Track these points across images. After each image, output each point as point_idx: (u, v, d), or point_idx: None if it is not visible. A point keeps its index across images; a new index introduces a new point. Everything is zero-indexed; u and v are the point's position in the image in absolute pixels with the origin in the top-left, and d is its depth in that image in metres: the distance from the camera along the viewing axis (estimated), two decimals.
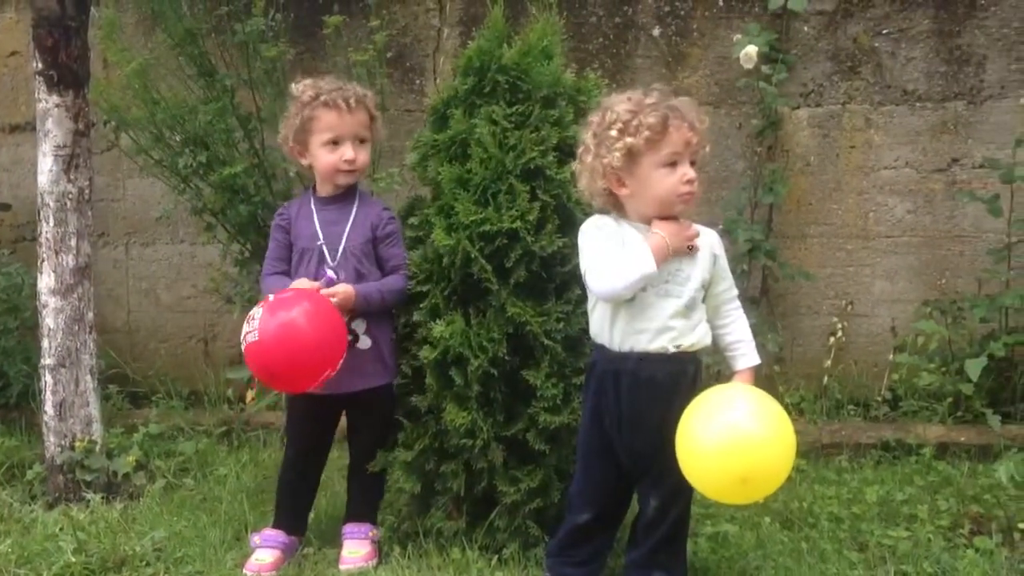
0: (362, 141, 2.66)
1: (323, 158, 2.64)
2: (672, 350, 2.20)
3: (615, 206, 2.28)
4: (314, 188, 2.74)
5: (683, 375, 2.23)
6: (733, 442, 2.02)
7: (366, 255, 2.65)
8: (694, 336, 2.23)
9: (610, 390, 2.25)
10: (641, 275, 2.14)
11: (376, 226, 2.67)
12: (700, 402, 2.11)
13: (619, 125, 2.18)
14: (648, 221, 2.23)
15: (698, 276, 2.23)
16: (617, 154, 2.18)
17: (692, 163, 2.20)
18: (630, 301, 2.20)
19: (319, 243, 2.64)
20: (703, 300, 2.27)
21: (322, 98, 2.63)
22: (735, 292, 2.32)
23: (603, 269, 2.18)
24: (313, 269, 2.63)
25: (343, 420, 2.79)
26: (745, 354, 2.31)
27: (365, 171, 2.72)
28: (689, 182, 2.18)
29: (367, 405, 2.67)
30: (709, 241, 2.28)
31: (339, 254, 2.63)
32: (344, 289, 2.54)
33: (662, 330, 2.20)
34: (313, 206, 2.69)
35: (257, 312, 2.44)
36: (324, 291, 2.53)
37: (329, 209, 2.68)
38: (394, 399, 2.67)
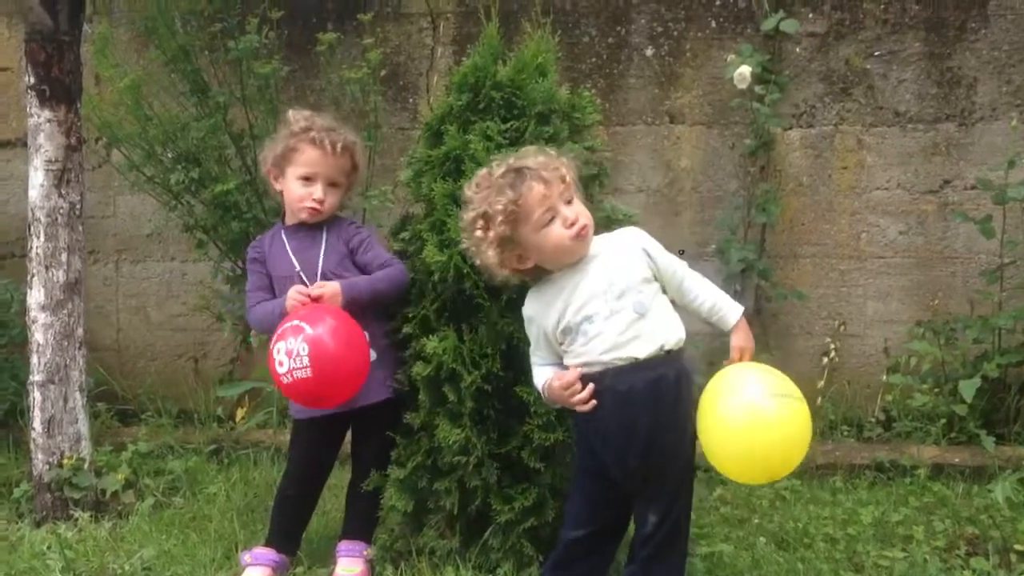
0: (335, 185, 2.68)
1: (294, 190, 2.65)
2: (642, 357, 2.18)
3: (535, 274, 2.28)
4: (283, 219, 2.76)
5: (663, 380, 2.19)
6: (757, 420, 2.11)
7: (346, 270, 2.66)
8: (660, 336, 2.20)
9: (597, 411, 2.21)
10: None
11: (347, 241, 2.69)
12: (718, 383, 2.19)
13: (480, 223, 2.21)
14: (567, 265, 2.24)
15: (635, 279, 2.22)
16: (492, 251, 2.21)
17: (568, 203, 2.21)
18: (585, 334, 2.20)
19: (296, 271, 2.64)
20: (663, 292, 2.27)
21: (311, 134, 2.65)
22: (685, 266, 2.31)
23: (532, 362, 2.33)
24: None
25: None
26: (728, 310, 2.31)
27: (329, 214, 2.70)
28: (573, 224, 2.19)
29: (374, 419, 2.64)
30: (625, 242, 2.28)
31: (318, 277, 2.62)
32: (331, 288, 2.54)
33: (623, 344, 2.18)
34: (284, 236, 2.70)
35: (299, 347, 2.39)
36: (312, 291, 2.53)
37: (299, 237, 2.69)
38: (399, 412, 2.63)
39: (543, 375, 2.30)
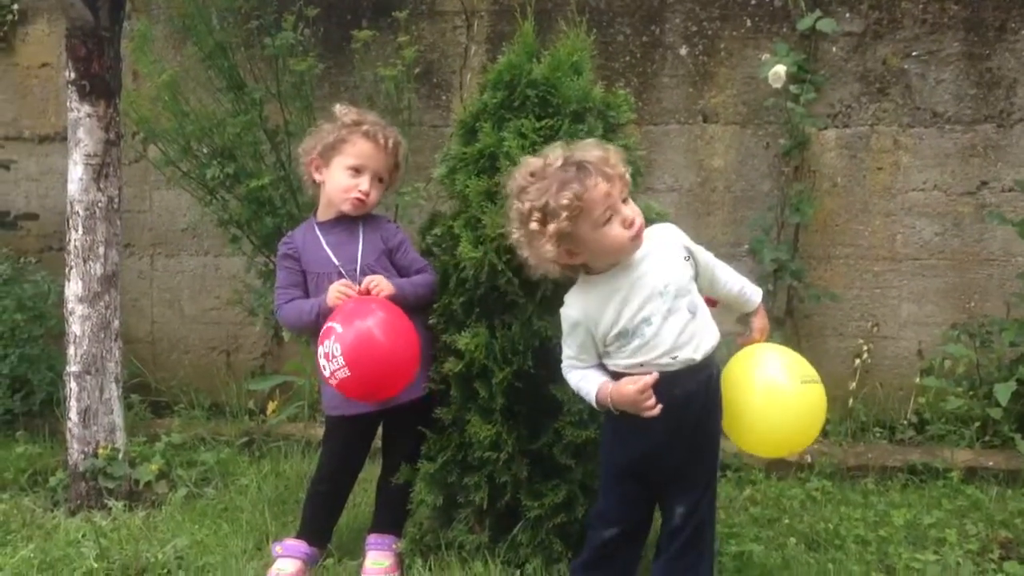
0: (380, 181, 2.68)
1: (340, 180, 2.65)
2: (699, 358, 2.17)
3: (575, 270, 2.22)
4: (315, 215, 2.75)
5: (711, 380, 2.22)
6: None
7: (384, 268, 2.66)
8: (710, 336, 2.21)
9: (636, 414, 2.16)
10: (586, 396, 2.25)
11: (386, 239, 2.69)
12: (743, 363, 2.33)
13: (537, 215, 2.11)
14: (615, 264, 2.17)
15: (685, 279, 2.20)
16: (549, 245, 2.12)
17: (625, 201, 2.14)
18: (642, 337, 2.15)
19: (336, 266, 2.63)
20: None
21: (364, 127, 2.66)
22: (712, 255, 2.34)
23: (565, 365, 2.28)
24: None
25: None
26: (752, 292, 2.41)
27: (371, 209, 2.71)
28: (631, 224, 2.12)
29: (407, 417, 2.64)
30: (668, 239, 2.24)
31: (357, 272, 2.62)
32: (382, 280, 2.55)
33: (682, 345, 2.16)
34: (318, 232, 2.69)
35: (334, 348, 2.40)
36: (367, 283, 2.53)
37: (335, 232, 2.68)
38: (431, 410, 2.62)
39: (593, 379, 2.22)
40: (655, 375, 2.12)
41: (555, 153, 2.16)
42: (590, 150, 2.16)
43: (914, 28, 3.92)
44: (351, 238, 2.67)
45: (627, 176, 2.17)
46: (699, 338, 2.18)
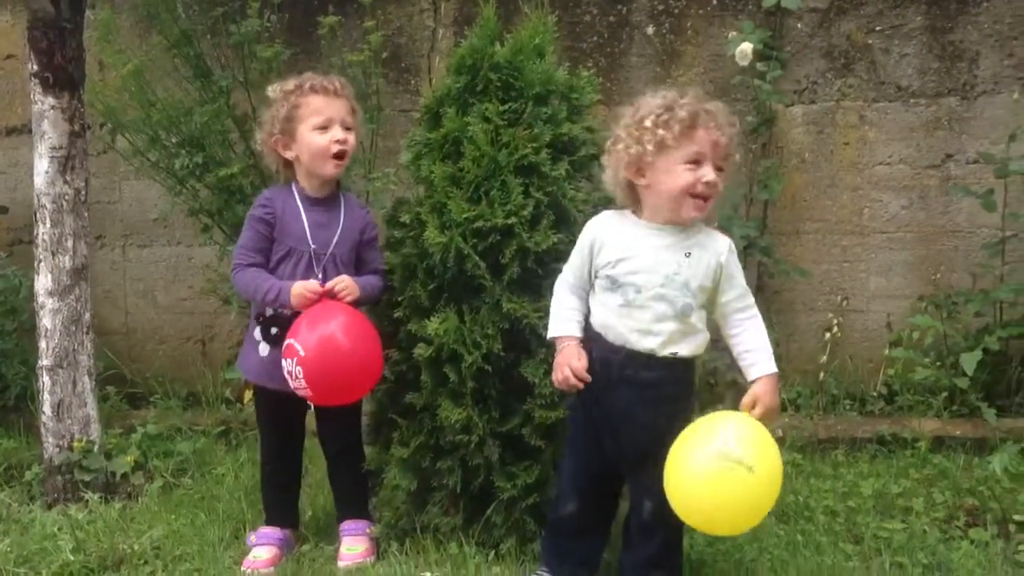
0: (348, 128, 2.64)
1: (314, 142, 2.59)
2: (660, 354, 2.20)
3: (633, 200, 2.28)
4: (295, 182, 2.69)
5: (670, 380, 2.22)
6: (716, 477, 2.02)
7: (350, 260, 2.66)
8: (685, 345, 2.21)
9: (601, 379, 2.24)
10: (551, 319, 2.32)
11: (363, 230, 2.69)
12: (689, 431, 2.11)
13: (652, 117, 2.19)
14: (662, 220, 2.22)
15: (695, 282, 2.20)
16: (649, 146, 2.18)
17: (718, 169, 2.18)
18: (626, 299, 2.21)
19: (311, 247, 2.62)
20: (709, 309, 2.26)
21: (307, 85, 2.63)
22: (748, 301, 2.25)
23: (560, 277, 2.34)
24: (301, 273, 2.60)
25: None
26: (756, 363, 2.20)
27: (350, 156, 2.68)
28: (707, 184, 2.16)
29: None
30: (716, 248, 2.24)
31: (326, 258, 2.62)
32: (348, 285, 2.55)
33: (652, 333, 2.20)
34: (300, 204, 2.64)
35: (296, 370, 2.43)
36: (334, 285, 2.53)
37: (317, 210, 2.65)
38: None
39: (564, 318, 2.29)
40: (583, 380, 2.22)
41: (691, 95, 2.22)
42: (720, 108, 2.23)
43: (877, 3, 3.94)
44: (331, 221, 2.65)
45: (733, 153, 2.21)
46: (671, 338, 2.19)
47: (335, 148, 2.60)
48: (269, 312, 2.61)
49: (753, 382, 2.20)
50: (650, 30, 4.13)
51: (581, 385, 2.23)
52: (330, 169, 2.62)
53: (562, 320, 2.31)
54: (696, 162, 2.17)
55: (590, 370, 2.24)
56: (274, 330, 2.60)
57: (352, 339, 2.47)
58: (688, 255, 2.21)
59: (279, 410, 2.69)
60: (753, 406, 2.16)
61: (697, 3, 4.09)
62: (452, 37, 4.22)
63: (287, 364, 2.45)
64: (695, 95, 2.22)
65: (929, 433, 3.50)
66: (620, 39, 4.15)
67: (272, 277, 2.59)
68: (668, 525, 2.24)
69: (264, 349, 2.62)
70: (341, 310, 2.51)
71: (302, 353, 2.43)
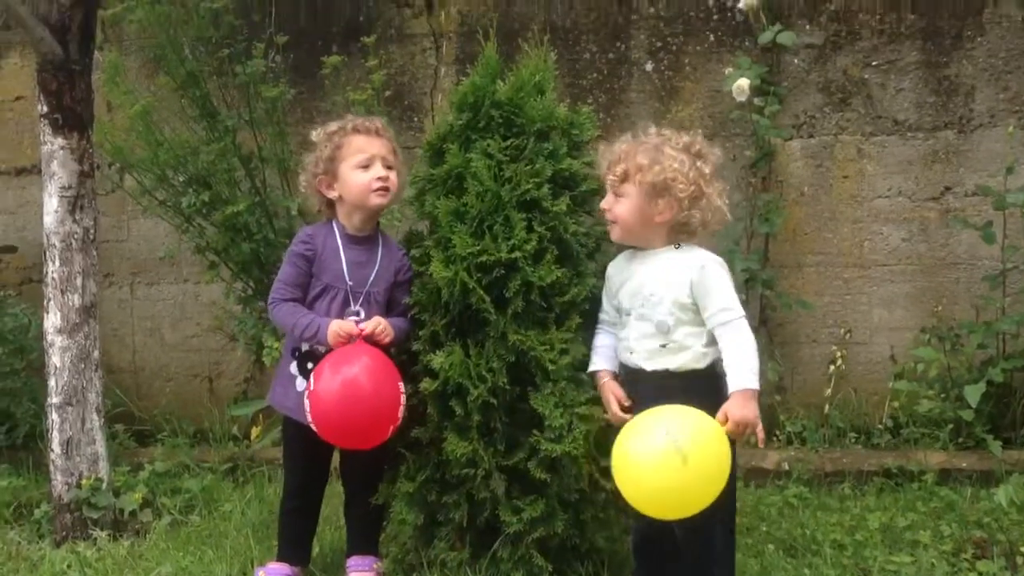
0: (389, 167, 2.67)
1: (356, 180, 2.63)
2: (649, 370, 2.32)
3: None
4: (335, 220, 2.72)
5: (666, 391, 2.27)
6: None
7: (385, 299, 2.68)
8: (671, 359, 2.31)
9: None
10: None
11: (398, 271, 2.71)
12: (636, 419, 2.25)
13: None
14: (645, 245, 2.43)
15: (669, 299, 2.31)
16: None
17: (617, 196, 2.39)
18: (624, 324, 2.39)
19: (348, 285, 2.64)
20: (698, 323, 2.32)
21: (350, 125, 2.69)
22: (728, 316, 2.29)
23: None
24: (337, 309, 2.63)
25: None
26: (732, 379, 2.26)
27: (398, 197, 2.73)
28: (602, 210, 2.42)
29: None
30: (689, 264, 2.33)
31: (362, 297, 2.65)
32: (387, 327, 2.58)
33: (636, 350, 2.36)
34: (340, 242, 2.67)
35: (307, 408, 2.50)
36: (367, 326, 2.55)
37: (357, 249, 2.67)
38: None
39: (598, 356, 2.49)
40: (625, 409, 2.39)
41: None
42: (654, 138, 2.44)
43: (872, 39, 4.00)
44: (369, 260, 2.67)
45: (635, 171, 2.37)
46: (658, 354, 2.32)
47: (376, 185, 2.63)
48: (304, 347, 2.64)
49: (730, 396, 2.26)
50: (649, 66, 4.18)
51: (628, 416, 2.33)
52: (375, 200, 2.64)
53: (593, 356, 2.51)
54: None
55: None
56: (310, 365, 2.61)
57: (367, 387, 2.47)
58: (664, 274, 2.34)
59: (309, 446, 2.66)
60: (725, 420, 2.23)
61: (695, 40, 4.15)
62: (454, 75, 4.28)
63: (304, 402, 2.51)
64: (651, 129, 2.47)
65: (935, 466, 3.50)
66: (619, 75, 4.21)
67: (311, 313, 2.61)
68: (704, 546, 2.30)
69: (301, 384, 2.63)
70: (365, 355, 2.51)
71: (312, 388, 2.48)
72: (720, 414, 2.23)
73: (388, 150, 2.68)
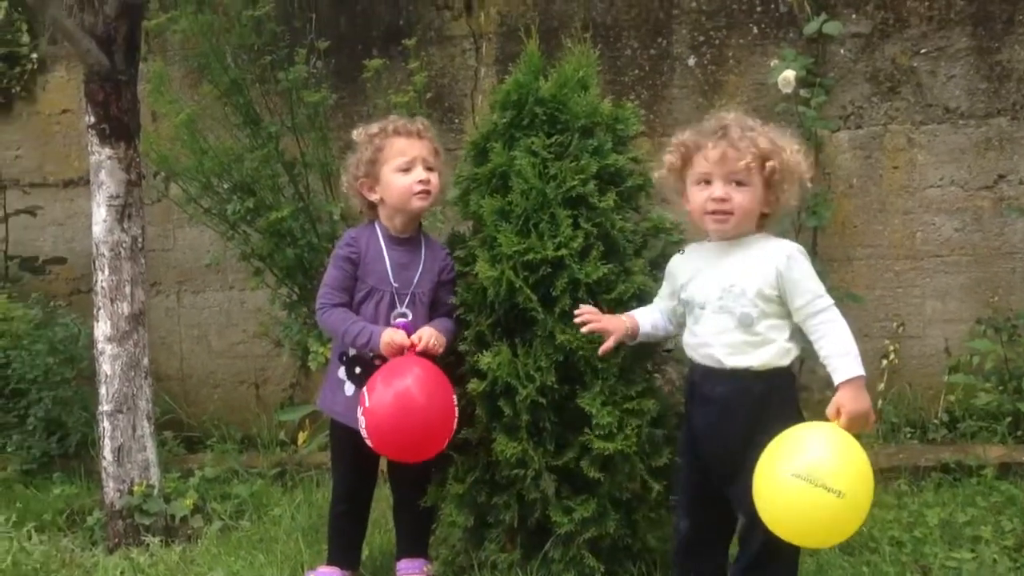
0: (431, 168, 2.65)
1: (398, 183, 2.61)
2: (729, 367, 2.19)
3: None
4: (378, 221, 2.71)
5: (746, 393, 2.19)
6: (802, 495, 1.96)
7: (430, 299, 2.67)
8: (755, 355, 2.18)
9: (689, 399, 2.33)
10: None
11: (442, 271, 2.69)
12: (776, 441, 2.07)
13: (672, 148, 2.31)
14: (720, 239, 2.29)
15: (752, 291, 2.18)
16: (663, 171, 2.31)
17: (739, 184, 2.20)
18: (695, 318, 2.27)
19: (392, 287, 2.63)
20: (782, 316, 2.20)
21: (391, 127, 2.67)
22: (821, 305, 2.16)
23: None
24: (384, 312, 2.62)
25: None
26: (837, 369, 2.12)
27: (437, 200, 2.71)
28: (716, 200, 2.20)
29: None
30: (772, 255, 2.21)
31: (407, 298, 2.64)
32: (439, 338, 2.56)
33: (716, 345, 2.21)
34: (383, 244, 2.66)
35: (361, 421, 2.48)
36: (420, 342, 2.53)
37: (400, 250, 2.66)
38: None
39: (645, 310, 2.44)
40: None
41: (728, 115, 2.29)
42: (749, 123, 2.27)
43: (921, 26, 3.92)
44: (413, 261, 2.66)
45: (750, 164, 2.19)
46: (739, 350, 2.19)
47: (418, 188, 2.61)
48: (352, 352, 2.63)
49: (837, 388, 2.13)
50: (691, 61, 4.14)
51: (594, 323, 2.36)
52: (416, 203, 2.63)
53: (645, 313, 2.45)
54: (706, 181, 2.23)
55: (686, 393, 2.37)
56: (358, 369, 2.62)
57: (419, 401, 2.45)
58: (745, 264, 2.22)
59: (356, 451, 2.62)
60: (838, 414, 2.11)
61: (738, 33, 4.09)
62: (494, 76, 4.27)
63: (358, 414, 2.48)
64: (724, 114, 2.31)
65: (995, 460, 3.41)
66: (662, 71, 4.17)
67: (362, 320, 2.60)
68: (766, 540, 2.17)
69: (350, 389, 2.63)
70: (418, 368, 2.49)
71: (367, 404, 2.46)
72: (832, 408, 2.10)
73: (429, 152, 2.67)
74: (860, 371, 2.12)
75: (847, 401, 2.09)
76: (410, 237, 2.69)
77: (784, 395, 2.21)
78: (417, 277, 2.65)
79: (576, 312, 2.40)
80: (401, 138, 2.65)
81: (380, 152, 2.64)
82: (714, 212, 2.21)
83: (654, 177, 2.41)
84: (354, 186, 2.70)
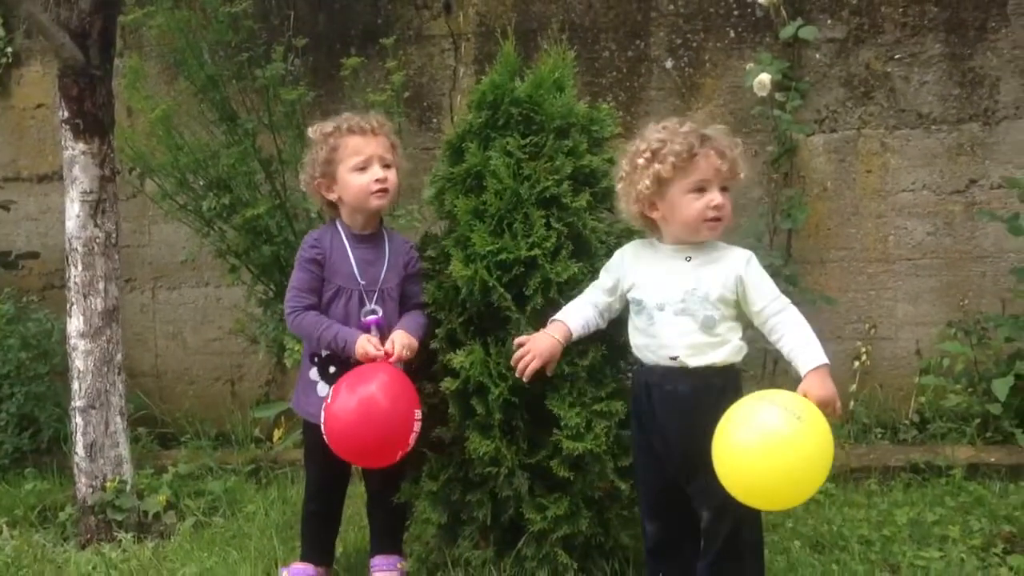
0: (387, 166, 2.64)
1: (354, 182, 2.60)
2: (692, 366, 2.24)
3: (652, 228, 2.36)
4: (338, 220, 2.70)
5: (708, 389, 2.24)
6: (764, 441, 2.02)
7: (398, 294, 2.67)
8: (716, 354, 2.25)
9: (645, 402, 2.32)
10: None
11: (407, 264, 2.69)
12: (729, 412, 2.11)
13: (648, 153, 2.27)
14: (680, 243, 2.31)
15: (715, 294, 2.24)
16: (647, 181, 2.27)
17: (723, 189, 2.26)
18: (650, 319, 2.29)
19: (360, 285, 2.63)
20: (737, 318, 2.28)
21: (344, 126, 2.64)
22: (780, 304, 2.25)
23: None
24: (354, 310, 2.61)
25: None
26: (801, 359, 2.19)
27: (395, 196, 2.71)
28: (716, 208, 2.24)
29: None
30: (733, 261, 2.28)
31: (375, 295, 2.63)
32: (409, 342, 2.55)
33: (678, 346, 2.25)
34: (347, 242, 2.65)
35: (322, 422, 2.47)
36: (394, 352, 2.51)
37: (364, 248, 2.66)
38: None
39: (575, 306, 2.42)
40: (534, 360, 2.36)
41: (689, 124, 2.29)
42: (721, 133, 2.30)
43: (895, 32, 3.96)
44: (378, 257, 2.66)
45: (740, 171, 2.28)
46: (701, 350, 2.24)
47: (375, 187, 2.60)
48: (324, 353, 2.63)
49: (804, 376, 2.18)
50: (668, 64, 4.17)
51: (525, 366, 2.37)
52: (374, 202, 2.62)
53: (564, 311, 2.43)
54: (701, 190, 2.25)
55: (637, 394, 2.35)
56: (332, 369, 2.61)
57: (381, 407, 2.44)
58: (706, 269, 2.28)
59: (329, 450, 2.58)
60: None
61: (715, 36, 4.12)
62: (473, 75, 4.28)
63: (322, 415, 2.48)
64: (695, 122, 2.30)
65: (963, 460, 3.45)
66: (639, 73, 4.19)
67: (335, 323, 2.59)
68: (730, 534, 2.25)
69: (323, 389, 2.62)
70: (383, 375, 2.48)
71: (330, 404, 2.45)
72: (799, 395, 2.14)
73: (385, 148, 2.65)
74: (825, 359, 2.19)
75: (813, 387, 2.15)
76: (372, 233, 2.69)
77: (736, 388, 2.28)
78: (383, 273, 2.65)
79: (512, 361, 2.40)
80: (356, 136, 2.63)
81: (335, 152, 2.62)
82: (712, 219, 2.25)
83: (617, 188, 2.39)
84: (312, 185, 2.70)
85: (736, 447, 2.06)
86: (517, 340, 2.42)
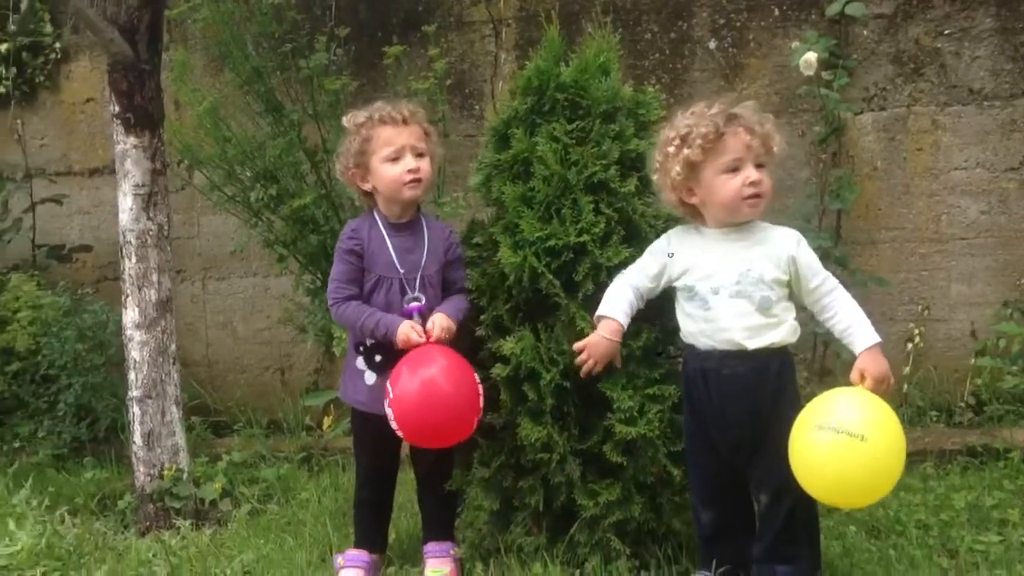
0: (420, 155, 2.63)
1: (387, 173, 2.61)
2: (750, 348, 2.25)
3: (694, 215, 2.36)
4: (376, 210, 2.70)
5: (765, 371, 2.26)
6: (837, 449, 2.06)
7: (439, 280, 2.68)
8: (773, 335, 2.25)
9: (700, 387, 2.32)
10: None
11: (447, 250, 2.70)
12: (810, 405, 2.16)
13: (676, 140, 2.28)
14: (724, 226, 2.30)
15: (769, 276, 2.25)
16: (678, 167, 2.27)
17: (759, 166, 2.25)
18: (705, 304, 2.28)
19: (400, 274, 2.63)
20: (789, 298, 2.30)
21: (376, 116, 2.64)
22: (831, 283, 2.29)
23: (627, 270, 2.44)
24: (395, 299, 2.62)
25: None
26: (855, 337, 2.24)
27: (430, 185, 2.71)
28: (753, 184, 2.23)
29: None
30: (783, 242, 2.30)
31: (416, 283, 2.64)
32: (448, 324, 2.56)
33: (736, 329, 2.26)
34: (384, 231, 2.66)
35: (389, 412, 2.48)
36: (436, 329, 2.53)
37: (402, 236, 2.66)
38: None
39: (619, 294, 2.40)
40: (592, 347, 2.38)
41: (718, 105, 2.30)
42: (749, 109, 2.30)
43: (945, 6, 3.88)
44: (416, 245, 2.66)
45: (774, 145, 2.27)
46: (759, 331, 2.25)
47: (408, 177, 2.60)
48: (369, 342, 2.64)
49: (858, 355, 2.23)
50: (712, 44, 4.12)
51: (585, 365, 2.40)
52: (407, 193, 2.62)
53: (609, 303, 2.41)
54: (735, 169, 2.24)
55: (690, 380, 2.35)
56: (378, 357, 2.63)
57: (446, 388, 2.47)
58: (756, 251, 2.28)
59: (380, 437, 2.63)
60: (863, 379, 2.19)
61: (759, 15, 4.07)
62: (514, 61, 4.26)
63: (385, 402, 2.49)
64: (724, 102, 2.31)
65: (1022, 443, 3.39)
66: (682, 55, 4.15)
67: (377, 311, 2.59)
68: (787, 517, 2.26)
69: (371, 378, 2.64)
70: (440, 357, 2.50)
71: (392, 395, 2.47)
72: (855, 373, 2.22)
73: (418, 137, 2.64)
74: (878, 337, 2.24)
75: (870, 364, 2.21)
76: (410, 221, 2.69)
77: (792, 369, 2.31)
78: (424, 260, 2.65)
79: (576, 362, 2.43)
80: (387, 127, 2.62)
81: (368, 143, 2.63)
82: (751, 196, 2.24)
83: (654, 178, 2.41)
84: (346, 175, 2.71)
85: (805, 446, 2.12)
86: (576, 345, 2.43)
